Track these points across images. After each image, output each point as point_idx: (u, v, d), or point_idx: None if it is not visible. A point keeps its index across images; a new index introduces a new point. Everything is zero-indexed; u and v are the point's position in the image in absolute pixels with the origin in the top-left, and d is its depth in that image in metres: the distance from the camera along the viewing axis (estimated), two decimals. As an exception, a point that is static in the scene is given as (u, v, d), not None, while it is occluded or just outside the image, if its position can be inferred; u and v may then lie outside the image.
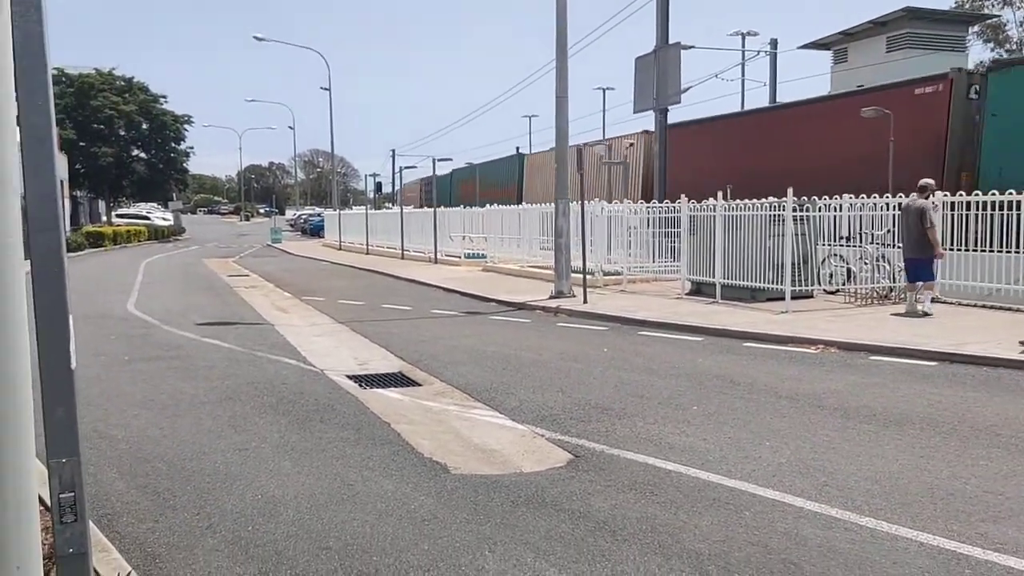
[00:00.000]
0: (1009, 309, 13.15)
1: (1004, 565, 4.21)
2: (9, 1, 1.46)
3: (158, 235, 56.53)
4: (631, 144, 29.89)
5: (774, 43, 39.05)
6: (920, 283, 13.02)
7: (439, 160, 33.68)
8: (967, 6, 43.21)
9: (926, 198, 13.08)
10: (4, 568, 1.50)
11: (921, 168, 15.35)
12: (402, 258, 32.84)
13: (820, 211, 15.43)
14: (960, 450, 6.21)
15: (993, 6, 44.07)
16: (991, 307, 13.45)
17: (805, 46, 27.30)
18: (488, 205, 30.16)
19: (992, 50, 45.02)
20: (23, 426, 1.53)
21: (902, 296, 14.39)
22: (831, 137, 19.58)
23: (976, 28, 41.80)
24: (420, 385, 9.09)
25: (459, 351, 11.18)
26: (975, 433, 6.67)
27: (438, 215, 30.49)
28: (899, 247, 14.73)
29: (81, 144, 52.55)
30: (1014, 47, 44.08)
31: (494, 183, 44.22)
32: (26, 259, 1.65)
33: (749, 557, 4.37)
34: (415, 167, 63.17)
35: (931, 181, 13.49)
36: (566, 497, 5.36)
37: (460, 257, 28.73)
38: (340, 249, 42.00)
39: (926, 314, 12.70)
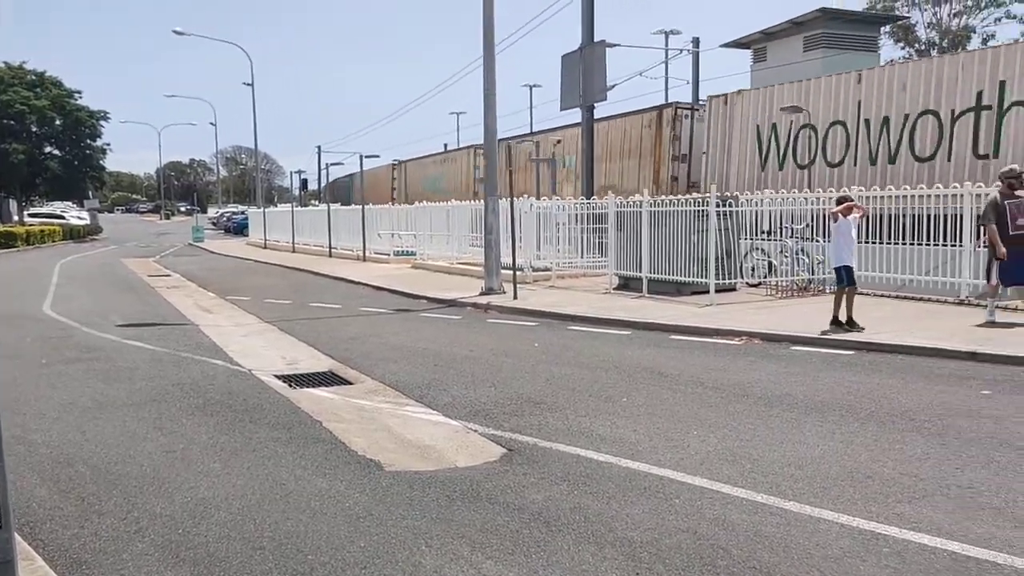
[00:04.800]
0: (919, 299, 13.66)
1: (919, 543, 4.40)
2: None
3: (74, 235, 54.58)
4: (559, 141, 30.09)
5: (696, 42, 39.66)
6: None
7: (367, 156, 33.36)
8: (879, 7, 44.71)
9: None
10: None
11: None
12: (330, 256, 32.43)
13: (743, 206, 15.81)
14: (878, 435, 6.47)
15: (904, 7, 45.75)
16: (904, 298, 13.94)
17: (726, 45, 27.77)
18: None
19: (903, 48, 46.76)
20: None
21: (820, 288, 14.86)
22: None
23: (888, 28, 43.28)
24: (351, 384, 9.03)
25: (390, 349, 11.13)
26: (892, 418, 6.95)
27: (367, 212, 30.21)
28: (817, 241, 15.19)
29: (-11, 141, 50.44)
30: (923, 47, 45.80)
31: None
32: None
33: (680, 543, 4.48)
34: (342, 164, 62.35)
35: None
36: (500, 490, 5.40)
37: (389, 255, 28.50)
38: (265, 248, 41.25)
39: None
